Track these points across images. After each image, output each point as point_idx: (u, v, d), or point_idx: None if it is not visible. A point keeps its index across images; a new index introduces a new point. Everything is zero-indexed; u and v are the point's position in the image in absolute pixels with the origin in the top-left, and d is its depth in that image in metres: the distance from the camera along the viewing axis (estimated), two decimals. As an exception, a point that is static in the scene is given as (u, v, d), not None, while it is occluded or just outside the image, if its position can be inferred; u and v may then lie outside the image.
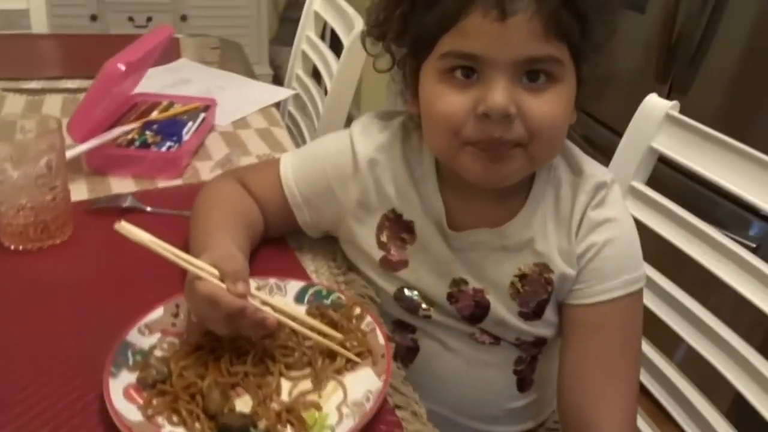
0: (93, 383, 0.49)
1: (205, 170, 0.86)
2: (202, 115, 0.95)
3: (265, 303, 0.54)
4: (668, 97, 1.54)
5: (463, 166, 0.57)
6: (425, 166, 0.63)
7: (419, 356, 0.68)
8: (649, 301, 0.78)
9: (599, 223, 0.61)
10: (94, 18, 2.93)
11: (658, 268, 0.80)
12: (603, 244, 0.61)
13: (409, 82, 0.61)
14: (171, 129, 0.89)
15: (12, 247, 0.66)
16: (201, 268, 0.51)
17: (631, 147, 0.82)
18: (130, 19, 3.00)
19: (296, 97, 1.40)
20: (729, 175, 0.72)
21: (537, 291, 0.63)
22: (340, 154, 0.65)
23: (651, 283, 0.78)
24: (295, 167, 0.67)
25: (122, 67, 0.76)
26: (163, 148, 0.86)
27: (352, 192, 0.64)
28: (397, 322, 0.68)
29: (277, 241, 0.70)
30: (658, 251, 0.79)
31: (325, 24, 1.35)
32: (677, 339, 0.75)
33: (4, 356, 0.53)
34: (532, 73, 0.53)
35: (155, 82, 1.12)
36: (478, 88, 0.53)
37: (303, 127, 1.35)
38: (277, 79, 3.13)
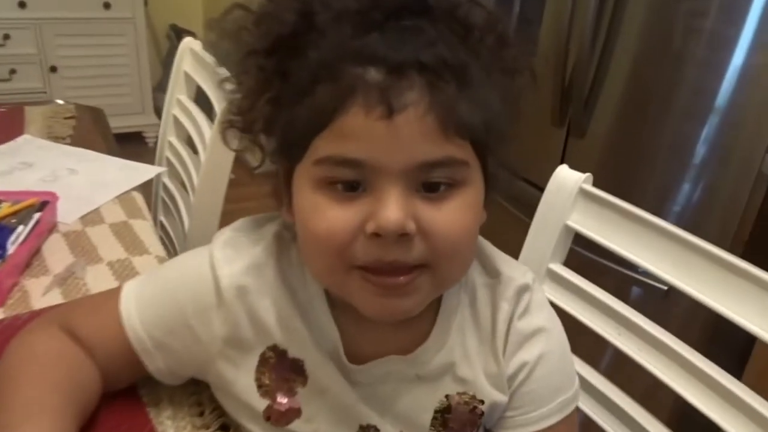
0: None
1: (38, 291, 0.69)
2: (36, 216, 0.77)
3: None
4: (566, 140, 1.54)
5: (353, 298, 0.46)
6: (311, 286, 0.50)
7: None
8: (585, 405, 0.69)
9: (529, 336, 0.51)
10: (-56, 74, 2.63)
11: (584, 359, 0.72)
12: (536, 361, 0.51)
13: (283, 184, 0.48)
14: (-8, 240, 0.71)
15: None
16: None
17: (546, 227, 0.74)
18: (-10, 72, 2.72)
19: (172, 168, 1.23)
20: (644, 252, 0.66)
21: (465, 426, 0.52)
22: (199, 281, 0.50)
23: (583, 383, 0.69)
24: (140, 302, 0.52)
25: None
26: (-21, 269, 0.68)
27: (218, 328, 0.50)
28: None
29: (125, 394, 0.54)
30: (581, 340, 0.71)
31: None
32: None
33: None
34: (430, 184, 0.42)
35: (-15, 170, 0.93)
36: (366, 200, 0.42)
37: (179, 201, 1.19)
38: (163, 131, 2.92)
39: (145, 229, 0.84)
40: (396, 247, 0.42)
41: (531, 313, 0.52)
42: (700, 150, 1.23)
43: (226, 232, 0.53)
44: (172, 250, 1.23)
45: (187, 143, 1.21)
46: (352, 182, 0.42)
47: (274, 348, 0.51)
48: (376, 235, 0.41)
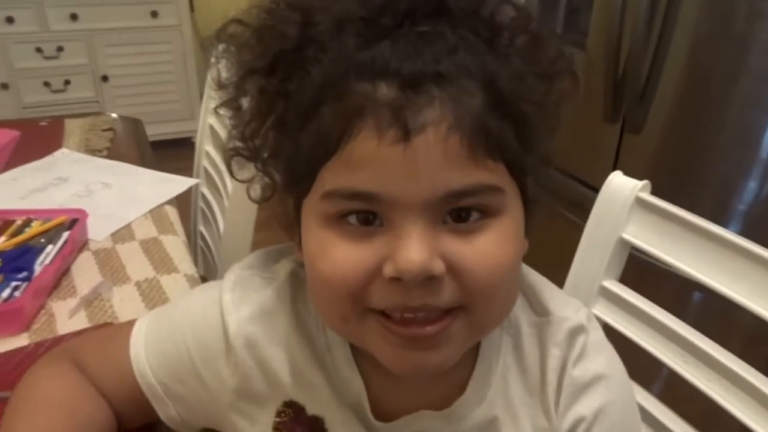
0: None
1: (64, 314, 0.67)
2: (65, 235, 0.76)
3: None
4: (621, 137, 1.45)
5: (370, 347, 0.40)
6: (330, 332, 0.45)
7: None
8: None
9: (586, 385, 0.44)
10: (4, 86, 2.73)
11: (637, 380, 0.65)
12: (595, 415, 0.44)
13: (293, 218, 0.43)
14: (18, 262, 0.70)
15: None
16: None
17: (599, 240, 0.67)
18: (46, 84, 2.81)
19: (208, 177, 1.21)
20: (706, 267, 0.59)
21: None
22: (207, 326, 0.46)
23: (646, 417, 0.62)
24: (150, 345, 0.48)
25: None
26: (4, 292, 0.66)
27: (227, 378, 0.46)
28: None
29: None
30: (640, 366, 0.64)
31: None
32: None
33: None
34: (460, 211, 0.37)
35: (21, 186, 0.93)
36: (384, 238, 0.36)
37: (216, 209, 1.17)
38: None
39: (175, 245, 0.82)
40: (422, 292, 0.36)
41: (588, 358, 0.44)
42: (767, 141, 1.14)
43: (237, 270, 0.48)
44: (210, 258, 1.21)
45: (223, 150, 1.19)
46: (367, 215, 0.37)
47: (290, 404, 0.46)
48: (396, 279, 0.36)
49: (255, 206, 1.05)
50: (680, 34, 1.26)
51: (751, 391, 0.53)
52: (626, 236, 0.64)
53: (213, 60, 0.45)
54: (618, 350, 0.51)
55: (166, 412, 0.48)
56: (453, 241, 0.36)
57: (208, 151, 1.21)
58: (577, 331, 0.44)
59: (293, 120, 0.38)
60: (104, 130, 1.19)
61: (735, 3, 1.15)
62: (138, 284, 0.72)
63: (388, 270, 0.35)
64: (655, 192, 0.64)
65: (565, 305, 0.46)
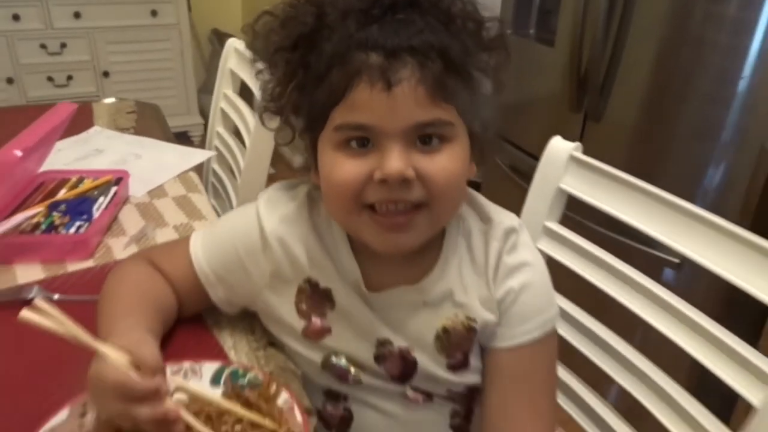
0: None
1: (119, 247, 0.84)
2: (113, 189, 0.93)
3: (180, 388, 0.53)
4: (583, 124, 1.63)
5: (364, 235, 0.58)
6: (335, 233, 0.63)
7: (354, 425, 0.67)
8: (572, 338, 0.81)
9: (515, 268, 0.63)
10: (10, 81, 2.85)
11: (577, 304, 0.83)
12: (520, 288, 0.62)
13: (310, 153, 0.61)
14: (80, 208, 0.87)
15: None
16: (111, 353, 0.49)
17: (542, 189, 0.85)
18: (50, 78, 2.93)
19: (220, 155, 1.39)
20: (632, 212, 0.76)
21: (462, 341, 0.63)
22: (249, 230, 0.64)
23: (572, 320, 0.81)
24: (205, 246, 0.66)
25: (18, 153, 0.74)
26: (72, 229, 0.83)
27: (265, 266, 0.64)
28: (329, 392, 0.67)
29: (194, 319, 0.68)
30: (574, 288, 0.82)
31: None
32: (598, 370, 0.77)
33: None
34: (425, 137, 0.54)
35: (65, 155, 1.09)
36: (374, 155, 0.54)
37: (227, 184, 1.34)
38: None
39: (201, 200, 0.99)
40: (399, 190, 0.54)
41: (517, 250, 0.63)
42: (723, 133, 1.27)
43: (269, 191, 0.66)
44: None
45: (233, 133, 1.36)
46: (363, 140, 0.54)
47: (308, 281, 0.64)
48: (383, 181, 0.53)
49: (264, 178, 1.23)
50: (637, 36, 1.42)
51: (659, 302, 0.70)
52: (563, 186, 0.82)
53: (232, 42, 0.63)
54: (559, 276, 0.69)
55: (215, 294, 0.66)
56: (420, 158, 0.54)
57: (219, 132, 1.38)
58: (510, 231, 0.63)
59: (311, 82, 0.56)
60: (128, 113, 1.35)
61: (690, 6, 1.30)
62: (175, 227, 0.90)
63: (377, 175, 0.53)
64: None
65: (503, 215, 0.65)
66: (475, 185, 2.22)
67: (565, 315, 0.82)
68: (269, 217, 0.63)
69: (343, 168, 0.55)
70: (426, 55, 0.52)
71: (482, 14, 0.58)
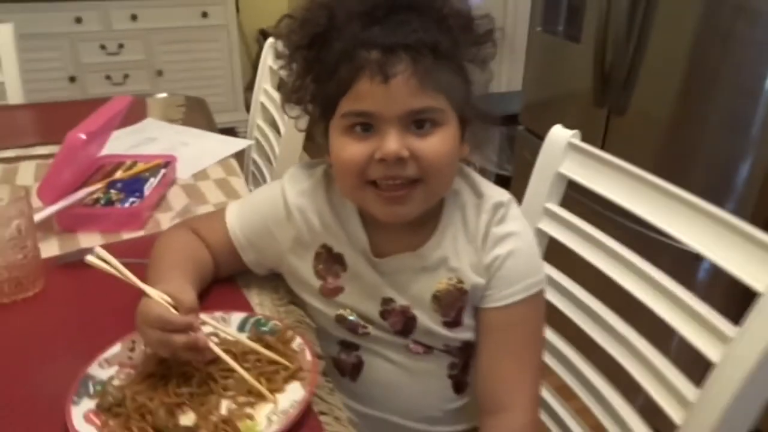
0: (60, 414, 0.57)
1: (166, 221, 0.96)
2: (162, 171, 1.05)
3: (212, 332, 0.64)
4: (607, 119, 1.68)
5: (369, 207, 0.68)
6: (347, 206, 0.73)
7: (364, 370, 0.77)
8: (566, 308, 0.88)
9: (501, 238, 0.71)
10: (72, 79, 3.06)
11: (573, 279, 0.90)
12: (506, 255, 0.71)
13: (323, 138, 0.71)
14: (133, 186, 0.99)
15: (-11, 302, 0.75)
16: (155, 294, 0.61)
17: (542, 173, 0.92)
18: (108, 77, 3.13)
19: (259, 145, 1.51)
20: (626, 196, 0.82)
21: (455, 301, 0.72)
22: (275, 201, 0.75)
23: (566, 292, 0.88)
24: (239, 215, 0.77)
25: (83, 137, 0.86)
26: (126, 204, 0.96)
27: (288, 233, 0.74)
28: (342, 342, 0.77)
29: (227, 280, 0.79)
30: (571, 264, 0.89)
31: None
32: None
33: (-16, 396, 0.61)
34: (419, 122, 0.64)
35: (122, 143, 1.22)
36: (375, 138, 0.63)
37: (265, 171, 1.46)
38: (253, 125, 3.25)
39: (239, 183, 1.11)
40: (396, 167, 0.63)
41: (505, 222, 0.72)
42: (753, 128, 1.30)
43: (291, 169, 0.77)
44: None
45: (270, 125, 1.48)
46: (365, 125, 0.64)
47: (324, 246, 0.74)
48: (382, 160, 0.63)
49: (297, 162, 1.33)
50: (661, 31, 1.46)
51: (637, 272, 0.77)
52: (562, 170, 0.90)
53: (271, 41, 0.73)
54: (558, 254, 0.75)
55: (247, 256, 0.77)
56: (414, 140, 0.63)
57: (259, 124, 1.50)
58: (499, 205, 0.71)
59: (323, 75, 0.66)
60: (178, 106, 1.49)
61: (719, 1, 1.32)
62: (215, 205, 1.01)
63: (377, 155, 0.63)
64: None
65: (494, 190, 0.73)
66: (505, 179, 2.29)
67: (561, 288, 0.89)
68: (291, 190, 0.74)
69: (350, 149, 0.65)
70: (418, 51, 0.61)
71: (472, 14, 0.67)
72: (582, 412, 0.87)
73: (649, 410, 0.76)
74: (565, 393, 0.90)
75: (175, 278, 0.67)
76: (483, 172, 0.76)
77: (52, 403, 0.59)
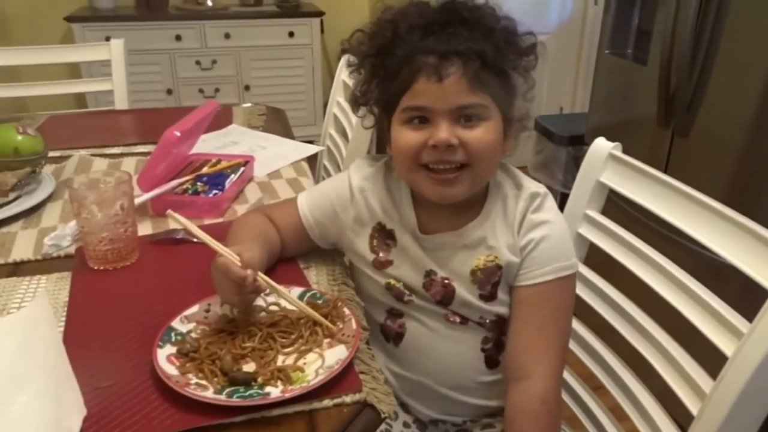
0: (148, 355, 0.69)
1: (242, 211, 1.09)
2: (242, 169, 1.19)
3: (272, 287, 0.76)
4: (671, 140, 1.70)
5: (421, 187, 0.78)
6: (402, 191, 0.84)
7: (406, 337, 0.87)
8: (597, 305, 0.94)
9: (537, 224, 0.80)
10: (169, 92, 3.32)
11: (609, 281, 0.95)
12: (540, 239, 0.79)
13: (386, 131, 0.82)
14: (216, 180, 1.13)
15: (95, 267, 0.90)
16: (227, 252, 0.73)
17: (584, 181, 0.99)
18: (200, 90, 3.38)
19: (329, 152, 1.63)
20: (663, 205, 0.87)
21: (490, 277, 0.81)
22: (341, 186, 0.87)
23: (600, 292, 0.94)
24: (308, 199, 0.89)
25: (177, 134, 1.01)
26: (210, 195, 1.09)
27: (351, 212, 0.86)
28: (390, 310, 0.87)
29: (290, 260, 0.91)
30: (605, 268, 0.95)
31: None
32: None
33: (91, 338, 0.75)
34: (467, 116, 0.74)
35: (209, 144, 1.38)
36: (429, 129, 0.74)
37: (333, 175, 1.58)
38: (329, 139, 3.40)
39: (308, 183, 1.23)
40: (447, 153, 0.74)
41: (541, 211, 0.80)
42: None
43: (357, 160, 0.89)
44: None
45: (341, 134, 1.60)
46: (422, 118, 0.75)
47: (379, 224, 0.85)
48: (434, 147, 0.73)
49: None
50: (726, 56, 1.48)
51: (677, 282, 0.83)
52: (602, 179, 0.96)
53: (344, 58, 0.85)
54: (596, 258, 0.82)
55: (313, 233, 0.89)
56: (462, 130, 0.74)
57: (331, 133, 1.63)
58: (535, 195, 0.80)
59: (388, 78, 0.77)
60: (260, 115, 1.64)
61: None
62: (292, 198, 1.13)
63: (430, 141, 0.74)
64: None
65: (532, 183, 0.82)
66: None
67: (595, 288, 0.95)
68: (355, 176, 0.86)
69: (407, 137, 0.76)
70: (468, 56, 0.72)
71: (517, 29, 0.76)
72: (603, 396, 0.93)
73: (667, 399, 0.81)
74: (592, 383, 0.95)
75: (246, 243, 0.78)
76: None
77: (142, 346, 0.72)
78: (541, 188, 0.82)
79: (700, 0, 1.51)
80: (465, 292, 0.81)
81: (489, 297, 0.81)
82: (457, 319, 0.83)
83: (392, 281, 0.84)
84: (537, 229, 0.79)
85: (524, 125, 0.81)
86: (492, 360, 0.85)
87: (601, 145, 0.98)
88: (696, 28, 1.53)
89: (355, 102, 0.83)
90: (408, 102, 0.75)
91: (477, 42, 0.73)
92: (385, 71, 0.77)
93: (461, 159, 0.74)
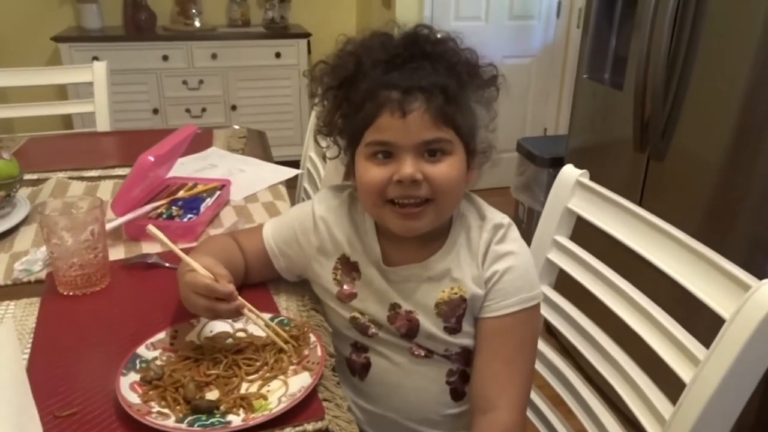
0: (111, 383, 0.70)
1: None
2: (218, 193, 1.20)
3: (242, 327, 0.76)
4: (647, 164, 1.72)
5: (386, 221, 0.79)
6: (367, 223, 0.85)
7: (371, 371, 0.87)
8: (565, 330, 0.95)
9: (501, 255, 0.81)
10: (155, 111, 3.34)
11: (576, 305, 0.97)
12: (504, 270, 0.80)
13: (350, 164, 0.82)
14: (192, 204, 1.14)
15: (65, 293, 0.90)
16: (197, 266, 0.74)
17: (553, 208, 1.01)
18: (187, 110, 3.39)
19: (309, 175, 1.64)
20: (629, 233, 0.89)
21: (455, 309, 0.81)
22: (304, 216, 0.87)
23: (567, 317, 0.95)
24: (273, 228, 0.90)
25: (151, 159, 1.02)
26: (185, 219, 1.10)
27: (314, 242, 0.86)
28: (354, 343, 0.87)
29: (261, 286, 0.92)
30: (575, 293, 0.96)
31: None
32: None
33: (55, 365, 0.75)
34: (431, 151, 0.75)
35: (188, 167, 1.39)
36: (394, 164, 0.75)
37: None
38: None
39: (283, 206, 1.24)
40: (411, 188, 0.74)
41: (504, 242, 0.81)
42: None
43: (322, 191, 0.89)
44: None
45: (321, 157, 1.61)
46: (386, 153, 0.75)
47: (343, 256, 0.85)
48: (399, 182, 0.74)
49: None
50: (700, 81, 1.50)
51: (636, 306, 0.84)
52: (570, 206, 0.98)
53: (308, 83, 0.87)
54: (566, 282, 0.83)
55: (278, 264, 0.89)
56: (427, 165, 0.74)
57: (311, 156, 1.65)
58: (499, 226, 0.81)
59: (351, 111, 0.78)
60: (240, 137, 1.65)
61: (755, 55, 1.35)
62: (260, 225, 1.14)
63: (395, 177, 0.74)
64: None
65: (496, 214, 0.83)
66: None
67: (563, 313, 0.96)
68: (319, 206, 0.86)
69: (372, 173, 0.76)
70: (431, 92, 0.73)
71: (479, 62, 0.78)
72: (569, 418, 0.94)
73: (629, 421, 0.82)
74: (555, 400, 0.96)
75: (209, 259, 0.79)
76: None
77: (107, 374, 0.72)
78: (505, 219, 0.83)
79: (673, 26, 1.54)
80: (430, 325, 0.82)
81: (454, 329, 0.82)
82: (422, 353, 0.84)
83: (357, 314, 0.85)
84: (501, 261, 0.80)
85: (487, 156, 0.82)
86: (457, 392, 0.86)
87: (569, 172, 1.00)
88: (670, 54, 1.57)
89: (319, 132, 0.84)
90: (372, 137, 0.75)
91: (440, 76, 0.74)
92: (349, 104, 0.78)
93: (426, 194, 0.75)
